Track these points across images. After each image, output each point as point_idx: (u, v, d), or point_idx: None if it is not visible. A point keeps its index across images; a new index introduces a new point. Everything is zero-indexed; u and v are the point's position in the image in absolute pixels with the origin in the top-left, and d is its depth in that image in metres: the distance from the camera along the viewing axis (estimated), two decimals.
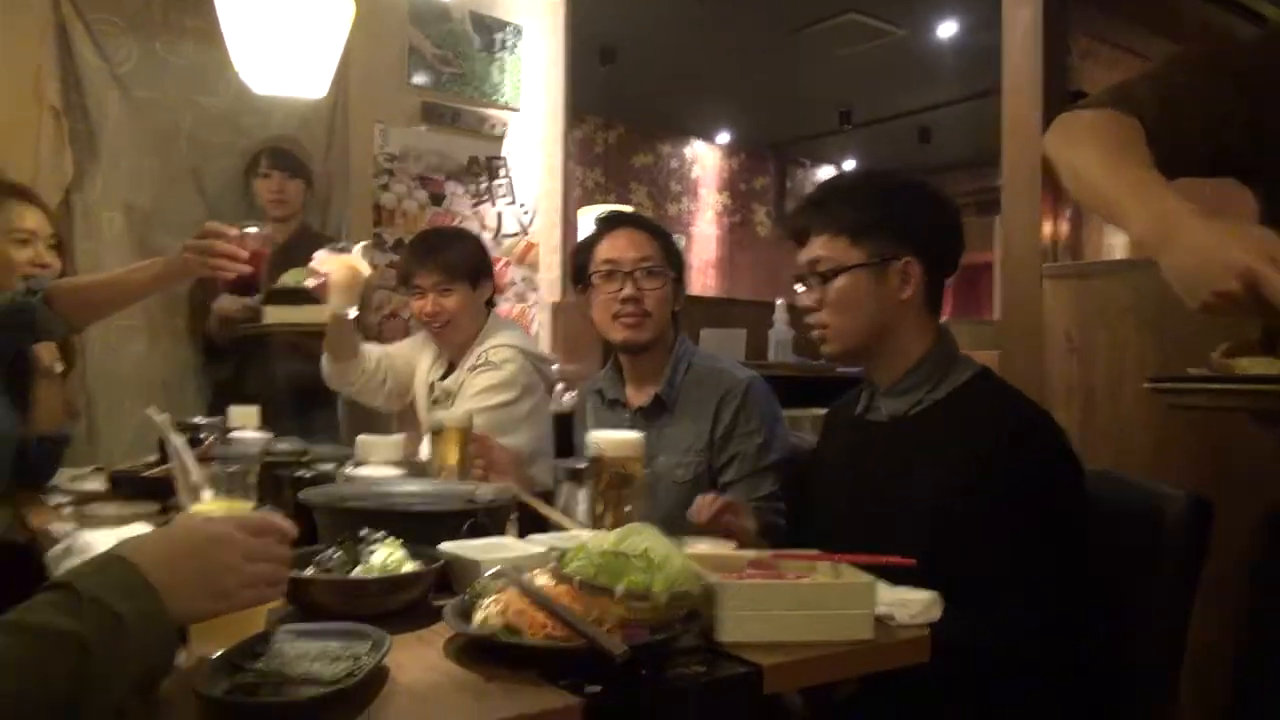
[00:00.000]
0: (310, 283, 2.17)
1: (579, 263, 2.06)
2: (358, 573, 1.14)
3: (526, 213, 4.15)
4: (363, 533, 1.20)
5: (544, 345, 4.07)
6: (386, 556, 1.16)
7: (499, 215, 4.07)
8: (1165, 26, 3.28)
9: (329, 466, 1.69)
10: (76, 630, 0.73)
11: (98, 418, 3.07)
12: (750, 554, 1.26)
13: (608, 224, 2.06)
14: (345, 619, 1.06)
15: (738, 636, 1.09)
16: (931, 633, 1.16)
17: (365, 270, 2.23)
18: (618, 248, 1.98)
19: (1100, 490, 1.49)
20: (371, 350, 2.53)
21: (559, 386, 3.38)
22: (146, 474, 1.82)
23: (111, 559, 0.82)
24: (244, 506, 1.38)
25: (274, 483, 1.57)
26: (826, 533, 1.41)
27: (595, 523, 1.49)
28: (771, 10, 5.07)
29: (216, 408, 2.54)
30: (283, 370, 2.87)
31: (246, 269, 1.89)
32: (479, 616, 1.04)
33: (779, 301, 4.20)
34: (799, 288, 1.58)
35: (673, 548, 1.08)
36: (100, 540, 1.35)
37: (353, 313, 2.25)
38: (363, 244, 2.11)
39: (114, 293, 1.96)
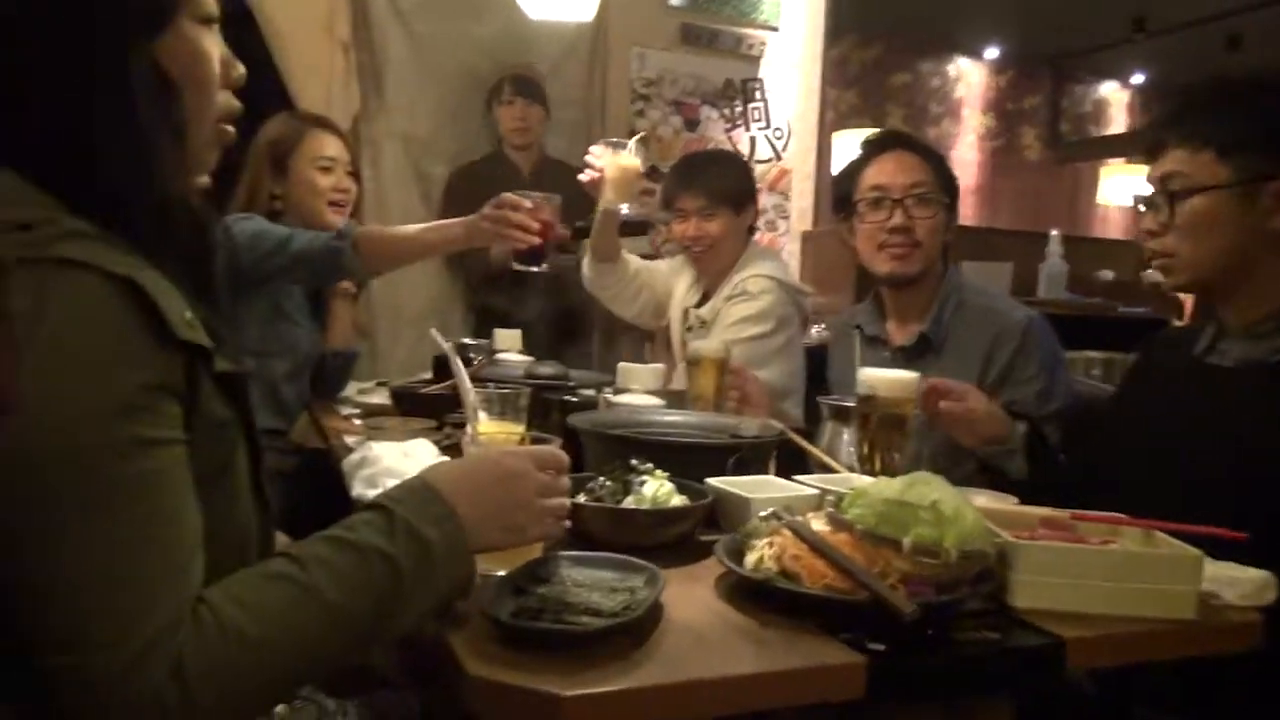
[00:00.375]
0: (584, 177, 2.20)
1: (842, 189, 1.94)
2: (628, 503, 1.13)
3: (780, 137, 4.03)
4: (633, 462, 1.19)
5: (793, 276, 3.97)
6: (657, 489, 1.15)
7: (752, 140, 3.97)
8: None
9: (590, 392, 1.71)
10: (393, 553, 0.78)
11: (380, 337, 3.32)
12: (1043, 511, 1.14)
13: (876, 146, 1.90)
14: (614, 548, 1.06)
15: (1036, 603, 0.99)
16: (1267, 619, 1.01)
17: (638, 167, 2.22)
18: (887, 172, 1.84)
19: None
20: (632, 259, 2.53)
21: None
22: (424, 391, 1.93)
23: (423, 486, 0.85)
24: (516, 429, 1.42)
25: (543, 406, 1.61)
26: (1134, 492, 1.25)
27: (861, 465, 1.41)
28: None
29: (481, 331, 2.66)
30: (544, 300, 2.96)
31: (537, 240, 1.94)
32: (752, 558, 1.00)
33: (1053, 233, 3.85)
34: (1141, 208, 1.39)
35: (965, 501, 0.99)
36: (388, 452, 1.44)
37: (625, 209, 2.25)
38: (636, 138, 2.09)
39: (414, 247, 2.07)
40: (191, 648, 0.68)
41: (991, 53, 7.53)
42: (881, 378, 1.42)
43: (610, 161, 2.15)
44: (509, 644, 0.81)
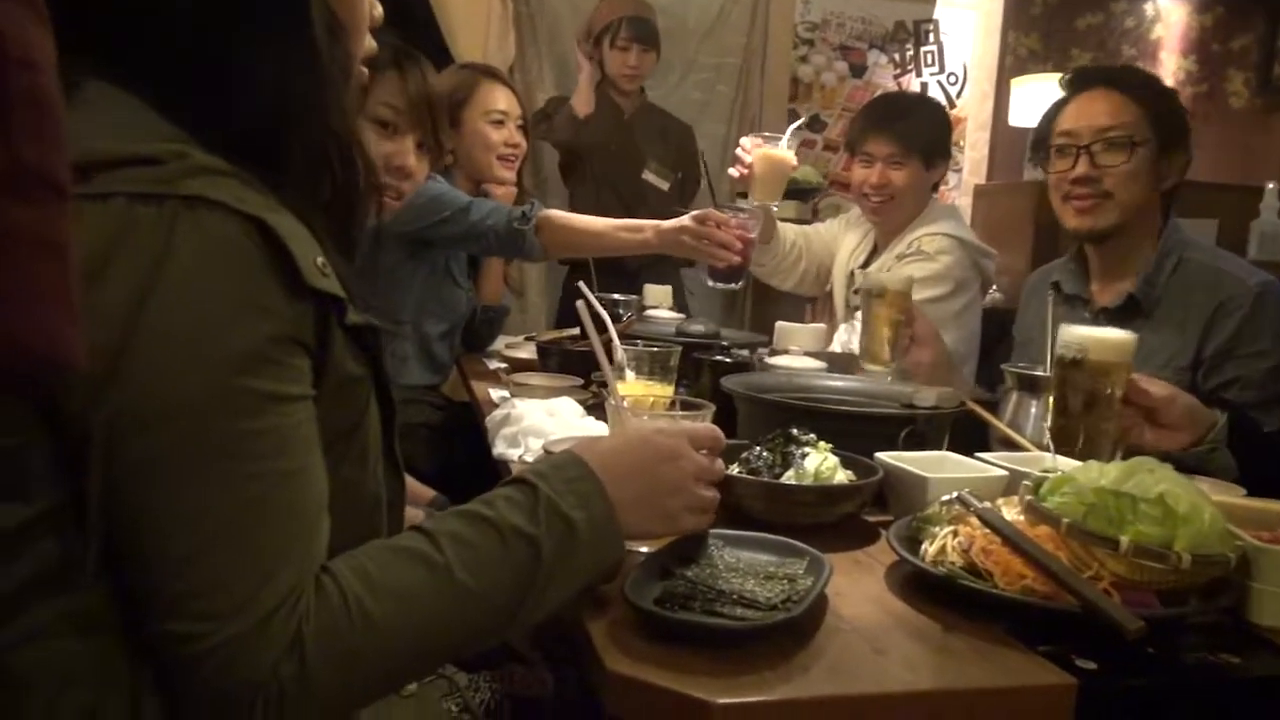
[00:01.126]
0: (733, 172, 2.04)
1: (1039, 133, 1.73)
2: (789, 477, 1.02)
3: (954, 83, 3.75)
4: (793, 432, 1.07)
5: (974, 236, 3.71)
6: (820, 462, 1.03)
7: (923, 86, 3.71)
8: None
9: (745, 352, 1.60)
10: (535, 534, 0.71)
11: (529, 292, 3.30)
12: None
13: (1076, 84, 1.68)
14: (770, 526, 0.96)
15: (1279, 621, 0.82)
16: None
17: (791, 162, 2.03)
18: (1081, 115, 1.62)
19: None
20: (787, 231, 2.39)
21: None
22: (570, 347, 1.86)
23: (572, 462, 0.78)
24: (665, 389, 1.32)
25: (693, 366, 1.51)
26: None
27: (1056, 444, 1.23)
28: None
29: (632, 287, 2.57)
30: None
31: (738, 260, 1.84)
32: (932, 548, 0.87)
33: (1270, 185, 3.43)
34: None
35: (1201, 495, 0.83)
36: (531, 411, 1.37)
37: (775, 207, 2.09)
38: (791, 129, 1.88)
39: (597, 242, 2.00)
40: (314, 621, 0.63)
41: None
42: (1095, 338, 1.22)
43: (761, 155, 1.94)
44: (653, 635, 0.72)
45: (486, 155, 2.17)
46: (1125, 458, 1.00)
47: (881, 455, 1.09)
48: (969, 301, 2.11)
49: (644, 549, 0.87)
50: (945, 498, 0.93)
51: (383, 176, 1.67)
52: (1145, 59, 6.89)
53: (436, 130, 1.96)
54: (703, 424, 0.91)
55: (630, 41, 3.00)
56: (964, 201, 3.82)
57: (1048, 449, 1.21)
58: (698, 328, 1.78)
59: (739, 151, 2.02)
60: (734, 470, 1.05)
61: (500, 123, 2.18)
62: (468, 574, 0.68)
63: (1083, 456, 1.13)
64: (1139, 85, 1.64)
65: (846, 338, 2.07)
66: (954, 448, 1.24)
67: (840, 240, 2.35)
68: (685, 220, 1.87)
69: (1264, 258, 3.27)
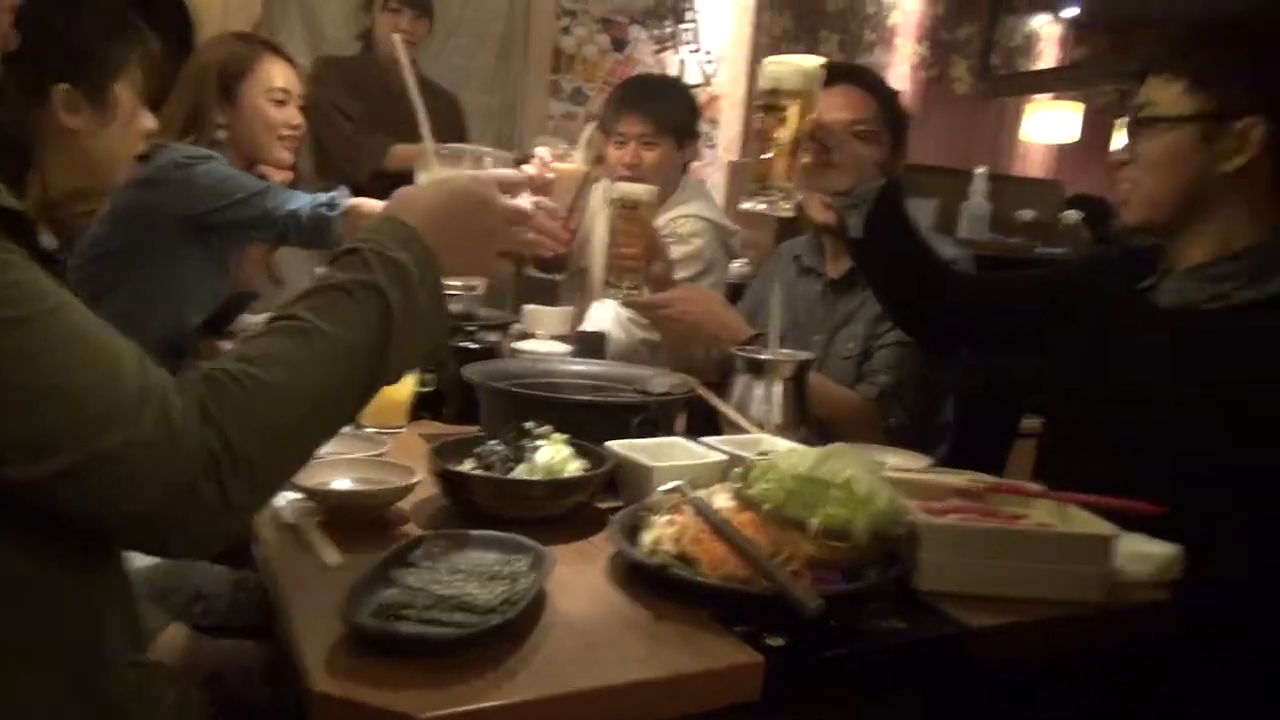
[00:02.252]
0: (528, 170, 1.92)
1: None
2: (520, 471, 1.05)
3: (711, 61, 3.88)
4: (528, 425, 1.10)
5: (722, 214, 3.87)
6: (552, 455, 1.06)
7: (682, 63, 3.82)
8: None
9: (494, 337, 1.61)
10: (373, 279, 0.77)
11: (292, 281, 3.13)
12: (959, 481, 1.09)
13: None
14: (505, 520, 0.99)
15: (941, 585, 0.94)
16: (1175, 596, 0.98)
17: (583, 170, 1.93)
18: (829, 107, 1.75)
19: None
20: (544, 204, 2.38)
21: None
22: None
23: (385, 218, 0.84)
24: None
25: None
26: (1061, 418, 1.28)
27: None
28: None
29: None
30: None
31: (564, 250, 1.72)
32: (649, 537, 0.93)
33: (978, 170, 3.81)
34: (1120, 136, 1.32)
35: (879, 478, 0.93)
36: None
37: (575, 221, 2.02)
38: (586, 133, 1.73)
39: None
40: (217, 400, 0.67)
41: None
42: (789, 68, 1.31)
43: (559, 169, 1.87)
44: (367, 651, 0.72)
45: (267, 135, 2.03)
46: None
47: (612, 444, 1.14)
48: (716, 280, 2.22)
49: (368, 569, 0.87)
50: (665, 487, 0.99)
51: None
52: (884, 43, 7.41)
53: (197, 102, 1.82)
54: (509, 170, 0.99)
55: (403, 5, 2.89)
56: (718, 177, 3.99)
57: (768, 427, 1.31)
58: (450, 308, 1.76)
59: (536, 163, 1.92)
60: (468, 466, 1.07)
61: (282, 102, 2.04)
62: (335, 328, 0.74)
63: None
64: (874, 85, 1.78)
65: (599, 315, 2.12)
66: (695, 428, 1.33)
67: (595, 216, 2.39)
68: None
69: (970, 236, 3.63)
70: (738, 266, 3.32)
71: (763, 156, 1.35)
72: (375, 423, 1.34)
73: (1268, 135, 1.16)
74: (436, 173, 1.07)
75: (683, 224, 2.16)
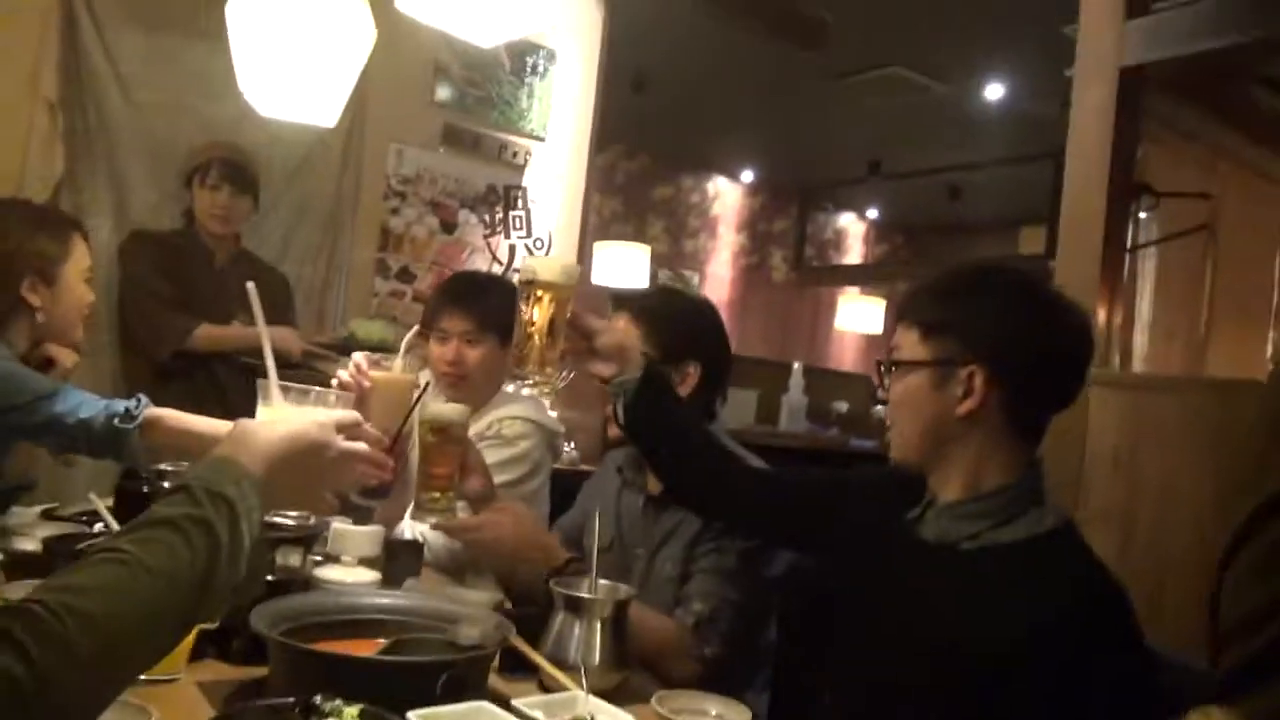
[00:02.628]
0: (345, 377, 1.69)
1: None
2: None
3: (540, 247, 3.96)
4: (316, 701, 0.99)
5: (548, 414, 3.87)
6: None
7: (511, 248, 3.88)
8: (1236, 117, 3.10)
9: (295, 560, 1.48)
10: (202, 514, 0.80)
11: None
12: None
13: (614, 306, 1.93)
14: None
15: None
16: None
17: (411, 380, 1.74)
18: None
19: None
20: None
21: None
22: (83, 546, 1.60)
23: (219, 459, 0.88)
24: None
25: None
26: (846, 650, 1.34)
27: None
28: (816, 55, 4.88)
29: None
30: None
31: (389, 477, 1.64)
32: None
33: (796, 365, 4.01)
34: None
35: None
36: None
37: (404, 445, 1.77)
38: (406, 341, 1.66)
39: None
40: (31, 633, 0.66)
41: (747, 175, 7.98)
42: (543, 263, 1.43)
43: (377, 378, 1.68)
44: None
45: (77, 315, 1.92)
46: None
47: (413, 715, 1.04)
48: (542, 483, 2.17)
49: None
50: None
51: None
52: (707, 231, 7.90)
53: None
54: (343, 411, 1.06)
55: (222, 182, 2.83)
56: None
57: (584, 670, 1.24)
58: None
59: (351, 370, 1.71)
60: None
61: (90, 280, 1.95)
62: (158, 560, 0.76)
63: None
64: (656, 318, 1.85)
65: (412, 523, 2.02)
66: (515, 664, 1.25)
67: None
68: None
69: (790, 429, 3.78)
70: (569, 451, 3.30)
71: (518, 342, 1.45)
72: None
73: (990, 382, 1.25)
74: (278, 409, 1.10)
75: (508, 426, 2.11)
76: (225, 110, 3.08)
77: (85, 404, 1.67)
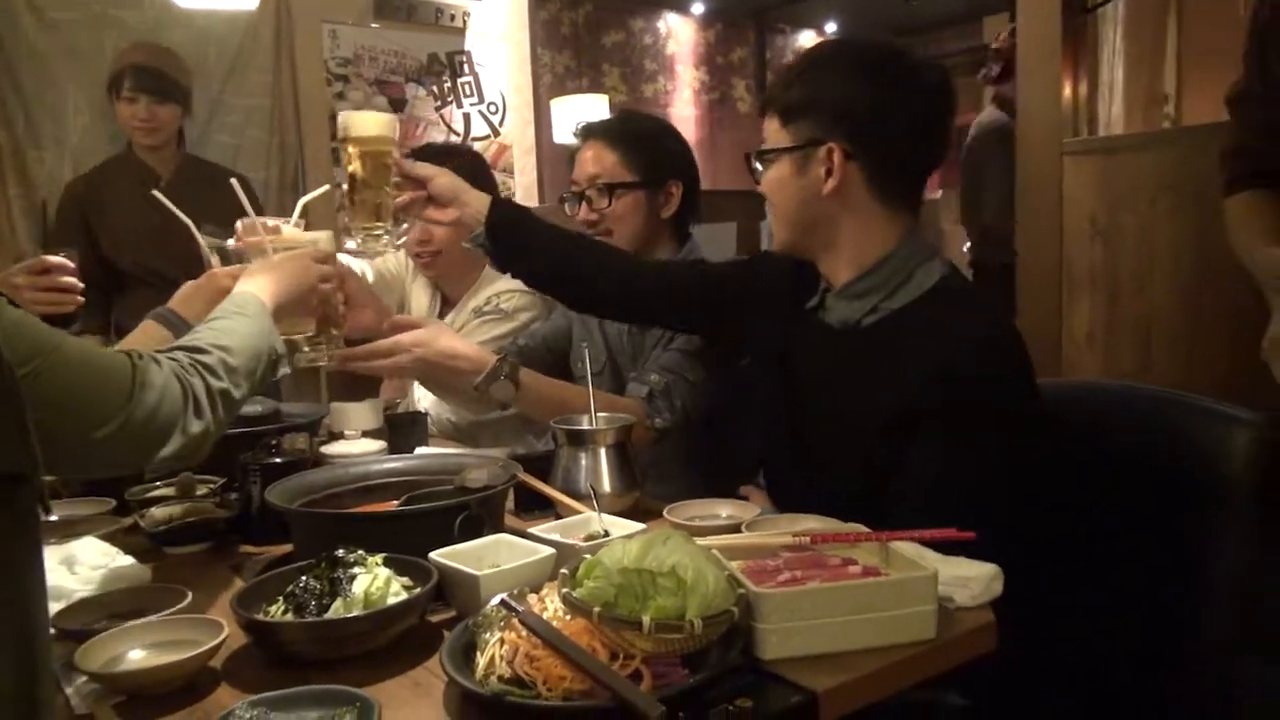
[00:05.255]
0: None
1: None
2: (337, 608, 0.98)
3: (495, 111, 3.86)
4: (339, 553, 1.03)
5: None
6: (370, 583, 1.00)
7: (465, 117, 3.78)
8: None
9: (301, 445, 1.51)
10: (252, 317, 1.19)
11: None
12: (785, 538, 1.10)
13: (580, 140, 1.91)
14: (326, 665, 0.92)
15: (784, 652, 0.94)
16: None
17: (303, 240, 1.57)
18: (579, 165, 1.86)
19: (1139, 407, 1.36)
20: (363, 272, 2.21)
21: None
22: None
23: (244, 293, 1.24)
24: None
25: (242, 472, 1.40)
26: (774, 435, 1.40)
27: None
28: None
29: None
30: None
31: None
32: (484, 659, 0.88)
33: None
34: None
35: (705, 557, 0.92)
36: None
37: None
38: (302, 202, 1.56)
39: None
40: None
41: (697, 7, 7.68)
42: (356, 117, 1.46)
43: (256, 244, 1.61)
44: None
45: None
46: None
47: (435, 555, 1.08)
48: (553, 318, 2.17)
49: None
50: (494, 601, 0.95)
51: None
52: (665, 72, 7.66)
53: None
54: (315, 247, 1.38)
55: (137, 91, 2.66)
56: None
57: (593, 506, 1.29)
58: (254, 409, 1.65)
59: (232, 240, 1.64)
60: (278, 609, 0.99)
61: None
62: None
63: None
64: (616, 136, 1.84)
65: (420, 395, 2.05)
66: (524, 507, 1.29)
67: (410, 290, 2.30)
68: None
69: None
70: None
71: (349, 199, 1.48)
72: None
73: (849, 157, 1.27)
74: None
75: (507, 299, 2.10)
76: (146, 15, 2.97)
77: None
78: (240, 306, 1.19)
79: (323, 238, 1.45)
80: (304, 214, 1.51)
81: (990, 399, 1.19)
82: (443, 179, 1.54)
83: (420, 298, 2.27)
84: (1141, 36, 2.96)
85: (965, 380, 1.18)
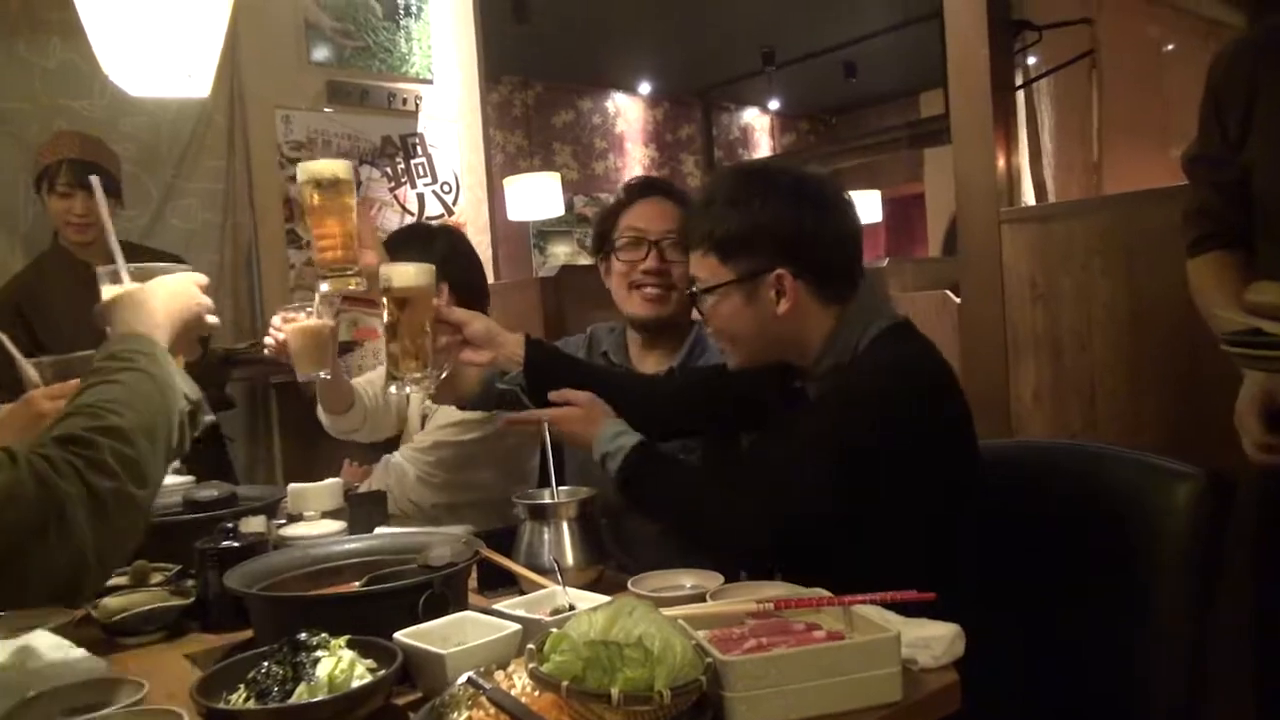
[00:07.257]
0: (269, 343, 1.79)
1: (601, 229, 1.95)
2: (301, 693, 0.96)
3: (449, 191, 3.92)
4: (301, 636, 1.02)
5: None
6: (334, 666, 0.98)
7: (420, 197, 3.83)
8: None
9: (259, 527, 1.49)
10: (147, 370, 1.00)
11: None
12: (749, 606, 1.11)
13: (637, 191, 1.94)
14: None
15: (754, 718, 0.94)
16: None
17: (326, 325, 1.74)
18: (646, 216, 1.87)
19: (1083, 465, 1.40)
20: (363, 385, 2.19)
21: None
22: None
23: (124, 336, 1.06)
24: None
25: (197, 557, 1.37)
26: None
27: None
28: None
29: None
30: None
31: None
32: None
33: None
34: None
35: (670, 628, 0.93)
36: None
37: (325, 375, 1.82)
38: (321, 290, 1.59)
39: None
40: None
41: (644, 87, 7.91)
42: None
43: (293, 329, 1.71)
44: None
45: None
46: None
47: (399, 635, 1.08)
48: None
49: None
50: (461, 679, 0.94)
51: None
52: (615, 150, 7.84)
53: None
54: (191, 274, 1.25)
55: (71, 187, 2.54)
56: None
57: (558, 580, 1.29)
58: (209, 493, 1.63)
59: (271, 330, 1.79)
60: (239, 698, 0.97)
61: None
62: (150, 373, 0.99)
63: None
64: (684, 201, 1.89)
65: (383, 470, 2.03)
66: (487, 583, 1.28)
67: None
68: None
69: None
70: None
71: (389, 346, 1.47)
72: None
73: (796, 277, 1.36)
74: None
75: None
76: (97, 104, 2.98)
77: None
78: (127, 356, 0.99)
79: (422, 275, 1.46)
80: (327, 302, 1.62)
81: (873, 401, 1.29)
82: (478, 324, 1.56)
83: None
84: (1069, 110, 3.12)
85: (854, 384, 1.32)
